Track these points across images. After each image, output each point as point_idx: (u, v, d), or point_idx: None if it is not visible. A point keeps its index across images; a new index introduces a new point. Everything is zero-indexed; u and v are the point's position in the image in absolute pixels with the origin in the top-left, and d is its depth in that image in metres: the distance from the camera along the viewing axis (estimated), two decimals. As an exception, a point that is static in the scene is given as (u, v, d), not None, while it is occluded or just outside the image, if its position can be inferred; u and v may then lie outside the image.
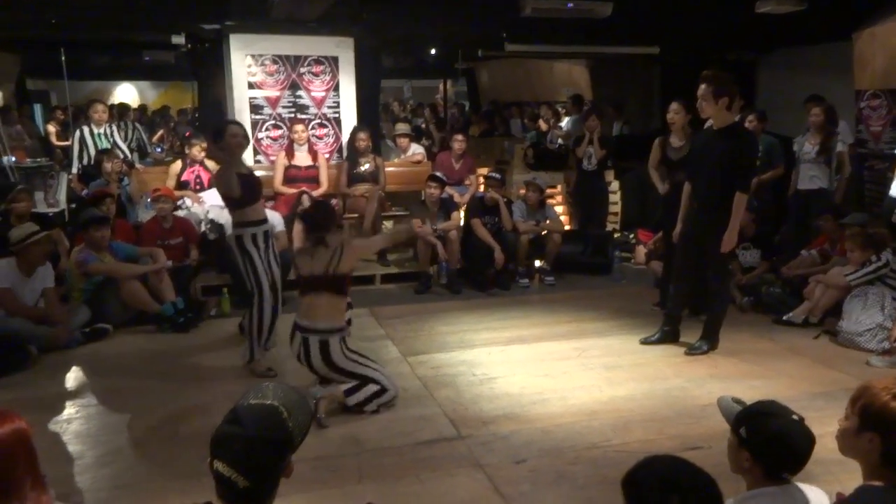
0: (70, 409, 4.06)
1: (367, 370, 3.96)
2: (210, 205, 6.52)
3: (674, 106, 5.46)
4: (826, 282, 5.40)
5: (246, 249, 4.40)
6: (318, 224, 4.01)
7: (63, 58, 8.56)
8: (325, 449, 3.47)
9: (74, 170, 7.51)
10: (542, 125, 11.22)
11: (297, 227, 6.59)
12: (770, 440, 1.93)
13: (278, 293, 4.58)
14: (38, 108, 12.66)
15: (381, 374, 4.00)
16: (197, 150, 7.02)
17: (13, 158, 7.39)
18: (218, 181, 4.59)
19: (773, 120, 7.53)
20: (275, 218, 6.35)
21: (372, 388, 3.91)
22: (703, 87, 4.58)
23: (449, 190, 7.05)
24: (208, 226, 6.44)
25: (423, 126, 13.21)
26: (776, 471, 1.94)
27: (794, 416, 1.98)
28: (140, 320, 5.48)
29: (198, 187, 6.96)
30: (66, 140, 9.12)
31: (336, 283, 3.93)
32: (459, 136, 7.88)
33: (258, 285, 4.43)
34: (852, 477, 2.17)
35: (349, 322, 4.20)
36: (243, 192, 4.33)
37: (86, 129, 7.68)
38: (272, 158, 7.40)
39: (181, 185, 6.94)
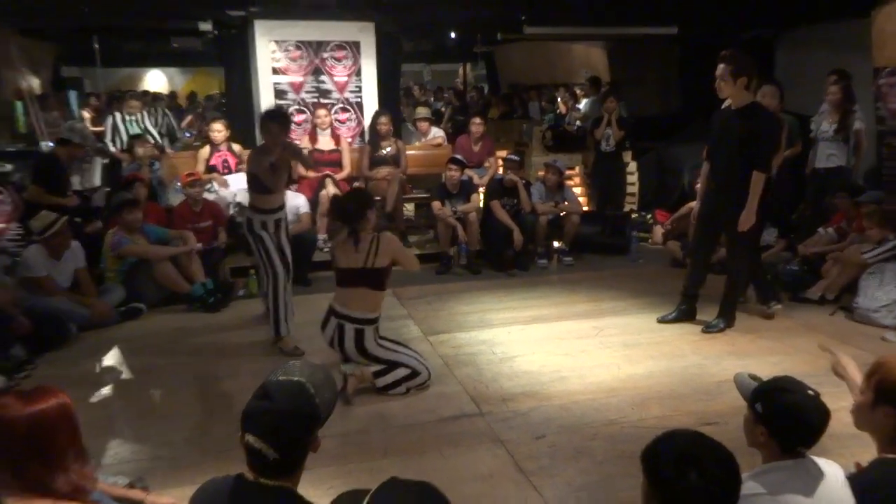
0: (108, 385, 4.15)
1: (399, 356, 3.95)
2: (237, 188, 6.56)
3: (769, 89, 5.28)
4: (843, 259, 5.32)
5: (256, 233, 4.48)
6: (350, 216, 3.87)
7: (96, 45, 8.61)
8: (351, 425, 3.52)
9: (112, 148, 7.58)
10: (562, 107, 11.12)
11: (323, 211, 6.63)
12: (785, 415, 1.92)
13: (289, 272, 4.65)
14: (73, 95, 12.80)
15: (415, 358, 3.99)
16: (215, 132, 6.99)
17: (51, 143, 7.49)
18: (251, 161, 4.58)
19: (792, 98, 7.37)
20: (299, 200, 6.38)
21: (401, 371, 3.91)
22: (721, 66, 4.51)
23: (468, 172, 7.03)
24: (236, 209, 6.48)
25: (442, 110, 13.14)
26: (791, 445, 1.93)
27: (809, 392, 1.96)
28: (172, 300, 5.56)
29: (225, 171, 6.98)
30: (101, 126, 9.21)
31: (373, 278, 3.86)
32: (477, 120, 7.81)
33: (271, 266, 4.51)
34: (867, 450, 2.16)
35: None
36: (268, 181, 4.37)
37: (118, 116, 7.75)
38: (296, 143, 7.41)
39: (209, 170, 6.98)
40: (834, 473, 1.94)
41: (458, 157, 6.86)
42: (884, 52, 7.13)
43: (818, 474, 1.90)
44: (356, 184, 7.16)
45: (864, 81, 7.14)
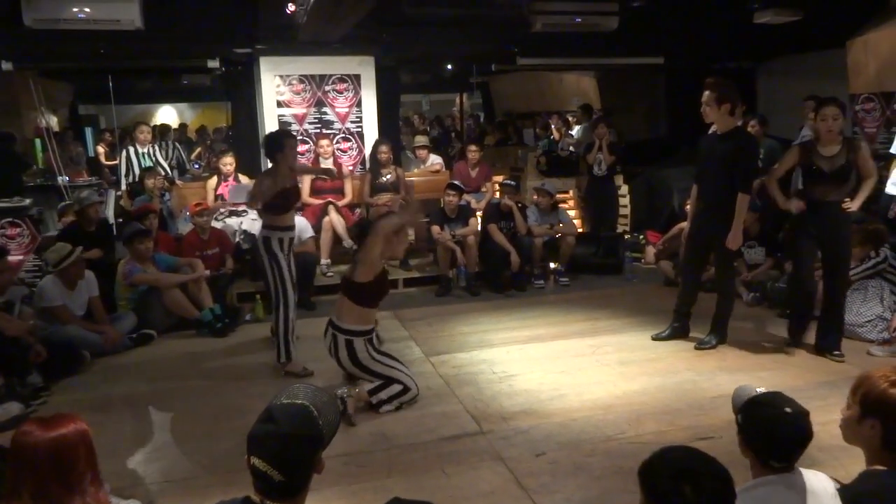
0: (120, 409, 4.12)
1: (392, 371, 3.95)
2: (245, 217, 6.58)
3: (833, 111, 4.33)
4: (828, 277, 5.29)
5: (273, 251, 4.40)
6: (358, 234, 4.09)
7: (111, 84, 8.72)
8: (354, 446, 3.48)
9: (123, 187, 7.62)
10: (555, 133, 11.18)
11: (325, 237, 6.64)
12: (757, 429, 1.92)
13: (296, 295, 4.63)
14: (88, 131, 12.90)
15: (405, 374, 3.99)
16: (226, 165, 7.05)
17: (67, 178, 7.53)
18: (256, 183, 4.58)
19: (773, 124, 7.44)
20: (302, 224, 6.39)
21: (395, 388, 3.90)
22: (706, 93, 4.55)
23: (466, 197, 7.04)
24: (242, 236, 6.50)
25: (437, 135, 13.19)
26: (764, 458, 1.92)
27: (788, 409, 1.93)
28: (181, 326, 5.54)
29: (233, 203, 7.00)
30: (114, 160, 9.27)
31: (350, 290, 3.91)
32: (473, 147, 7.87)
33: (283, 286, 4.43)
34: (856, 462, 2.13)
35: (375, 322, 4.17)
36: (276, 201, 4.36)
37: (131, 150, 7.81)
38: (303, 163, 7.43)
39: (217, 199, 7.01)
40: (822, 486, 1.91)
41: (456, 182, 6.88)
42: (859, 81, 7.23)
43: (805, 488, 1.87)
44: (358, 210, 7.19)
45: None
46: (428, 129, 14.23)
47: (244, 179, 7.07)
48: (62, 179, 7.41)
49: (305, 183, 7.04)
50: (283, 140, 4.47)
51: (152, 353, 5.17)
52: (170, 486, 3.19)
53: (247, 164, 7.24)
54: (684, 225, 5.27)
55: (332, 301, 6.24)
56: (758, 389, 2.11)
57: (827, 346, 4.57)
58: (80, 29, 6.13)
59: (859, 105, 7.31)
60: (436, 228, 6.52)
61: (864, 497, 1.92)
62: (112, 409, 4.12)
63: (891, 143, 6.17)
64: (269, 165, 4.72)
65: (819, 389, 3.94)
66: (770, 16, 6.46)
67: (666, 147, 9.30)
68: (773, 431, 1.89)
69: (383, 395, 3.88)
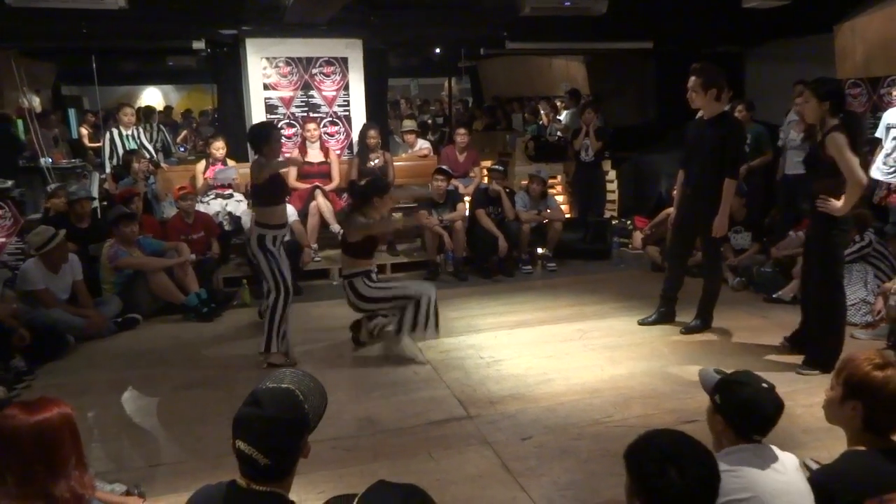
0: (105, 394, 4.09)
1: (394, 290, 4.46)
2: (230, 200, 6.54)
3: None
4: (813, 262, 5.33)
5: (269, 249, 4.31)
6: (356, 197, 4.63)
7: (94, 65, 8.58)
8: (341, 430, 3.48)
9: (108, 170, 7.52)
10: (544, 119, 11.15)
11: (311, 222, 6.60)
12: (740, 406, 2.01)
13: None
14: (71, 113, 12.70)
15: (408, 287, 4.39)
16: (217, 150, 6.98)
17: (50, 160, 7.42)
18: (253, 169, 4.39)
19: (761, 109, 7.45)
20: (289, 210, 6.34)
21: (409, 313, 4.27)
22: (693, 78, 4.54)
23: (454, 182, 7.02)
24: (225, 217, 6.46)
25: (430, 122, 13.12)
26: (746, 433, 2.01)
27: (764, 384, 2.04)
28: (167, 310, 5.50)
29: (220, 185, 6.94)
30: (98, 142, 9.14)
31: (345, 246, 4.50)
32: (462, 131, 7.83)
33: (283, 282, 4.32)
34: (839, 443, 2.17)
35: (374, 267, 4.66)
36: (270, 187, 4.25)
37: (115, 132, 7.69)
38: (286, 155, 7.37)
39: (205, 183, 6.93)
40: (789, 459, 2.02)
41: (445, 167, 6.85)
42: (845, 65, 7.25)
43: (772, 458, 1.98)
44: (345, 195, 7.14)
45: (830, 92, 7.23)
46: (416, 113, 14.15)
47: (231, 162, 7.00)
48: (45, 161, 7.30)
49: (293, 168, 6.98)
50: (269, 132, 4.37)
51: (137, 337, 5.13)
52: (155, 471, 3.17)
53: (233, 147, 7.16)
54: (671, 210, 5.28)
55: (320, 286, 6.30)
56: (712, 370, 2.22)
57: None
58: (62, 8, 6.00)
59: (847, 90, 7.34)
60: (423, 213, 6.50)
61: (844, 475, 1.99)
62: (96, 393, 4.09)
63: (877, 127, 6.20)
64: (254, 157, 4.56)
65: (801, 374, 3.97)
66: (758, 1, 6.45)
67: (655, 132, 9.31)
68: (756, 407, 2.00)
69: (407, 325, 4.27)
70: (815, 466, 2.43)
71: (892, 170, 5.96)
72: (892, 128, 5.97)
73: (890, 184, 5.96)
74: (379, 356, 4.57)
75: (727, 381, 2.10)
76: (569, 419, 3.58)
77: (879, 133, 6.11)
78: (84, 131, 10.92)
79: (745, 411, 2.00)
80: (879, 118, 6.27)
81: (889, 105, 6.30)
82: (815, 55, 7.66)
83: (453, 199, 6.72)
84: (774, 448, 2.02)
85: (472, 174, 7.66)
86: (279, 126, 7.05)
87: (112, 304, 5.30)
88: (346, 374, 4.30)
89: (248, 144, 4.88)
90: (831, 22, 7.29)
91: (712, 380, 2.15)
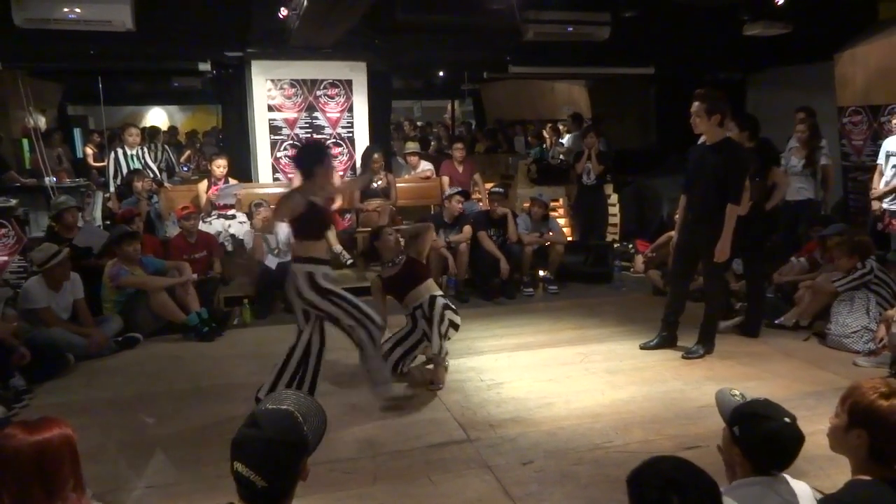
0: (104, 413, 4.07)
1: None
2: (233, 221, 6.56)
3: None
4: (815, 288, 5.34)
5: (323, 288, 3.78)
6: (300, 164, 3.86)
7: (100, 85, 8.68)
8: (340, 452, 3.45)
9: (112, 189, 7.57)
10: (548, 141, 11.23)
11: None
12: (761, 442, 1.95)
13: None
14: (77, 132, 12.81)
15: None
16: (219, 168, 7.02)
17: (55, 179, 7.47)
18: (284, 202, 3.85)
19: (762, 135, 7.48)
20: (285, 230, 6.34)
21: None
22: (696, 104, 4.57)
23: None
24: (227, 238, 6.47)
25: (431, 141, 13.21)
26: (766, 468, 1.95)
27: (786, 419, 1.97)
28: (168, 329, 5.49)
29: (223, 205, 6.97)
30: (102, 161, 9.20)
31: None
32: (459, 145, 8.07)
33: (362, 313, 3.83)
34: (842, 472, 2.14)
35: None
36: (312, 216, 3.77)
37: (119, 152, 7.76)
38: (290, 176, 7.41)
39: (208, 202, 6.97)
40: (804, 489, 1.96)
41: (462, 189, 6.89)
42: (846, 93, 7.31)
43: (789, 492, 1.92)
44: (348, 216, 7.17)
45: (829, 119, 7.30)
46: (418, 134, 14.25)
47: (232, 180, 7.04)
48: (49, 180, 7.35)
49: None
50: (324, 152, 3.96)
51: (137, 356, 5.11)
52: (153, 493, 3.14)
53: (237, 167, 7.21)
54: (673, 234, 5.29)
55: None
56: (732, 392, 2.13)
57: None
58: (70, 29, 6.10)
59: (846, 118, 7.38)
60: (431, 227, 6.50)
61: None
62: (96, 412, 4.06)
63: (877, 155, 6.24)
64: (296, 182, 4.20)
65: (806, 399, 3.95)
66: (759, 28, 6.53)
67: (656, 156, 9.36)
68: (778, 443, 1.94)
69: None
70: (818, 496, 2.40)
71: (893, 198, 5.99)
72: (892, 155, 6.00)
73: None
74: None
75: (748, 413, 2.01)
76: (569, 444, 3.56)
77: (880, 160, 6.14)
78: (89, 151, 10.98)
79: (767, 447, 1.93)
80: (880, 146, 6.31)
81: (889, 133, 6.35)
82: (816, 82, 7.73)
83: (461, 220, 6.73)
84: (788, 477, 1.97)
85: (474, 195, 7.70)
86: (283, 147, 7.09)
87: (113, 323, 5.30)
88: (344, 396, 4.27)
89: (294, 163, 4.56)
90: (832, 50, 7.37)
91: (730, 404, 2.06)
